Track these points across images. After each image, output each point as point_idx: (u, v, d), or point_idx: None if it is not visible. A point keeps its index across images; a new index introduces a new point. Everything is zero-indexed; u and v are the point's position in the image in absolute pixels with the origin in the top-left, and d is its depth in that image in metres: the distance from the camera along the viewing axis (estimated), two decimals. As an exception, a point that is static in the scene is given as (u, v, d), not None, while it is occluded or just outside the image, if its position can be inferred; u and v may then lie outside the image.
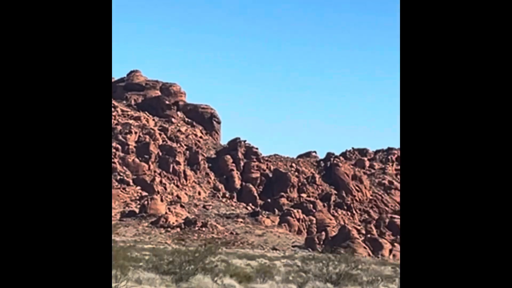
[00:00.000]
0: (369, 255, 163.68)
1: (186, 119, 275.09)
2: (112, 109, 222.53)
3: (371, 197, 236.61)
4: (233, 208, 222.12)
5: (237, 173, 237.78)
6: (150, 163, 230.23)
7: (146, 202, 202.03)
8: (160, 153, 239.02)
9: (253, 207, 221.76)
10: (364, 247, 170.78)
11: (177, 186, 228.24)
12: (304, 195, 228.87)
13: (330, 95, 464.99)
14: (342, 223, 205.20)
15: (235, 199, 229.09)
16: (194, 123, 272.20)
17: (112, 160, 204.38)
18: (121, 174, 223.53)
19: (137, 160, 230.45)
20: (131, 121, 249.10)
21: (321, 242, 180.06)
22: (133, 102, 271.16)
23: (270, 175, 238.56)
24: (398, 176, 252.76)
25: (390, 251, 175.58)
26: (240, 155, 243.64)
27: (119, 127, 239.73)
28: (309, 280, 35.95)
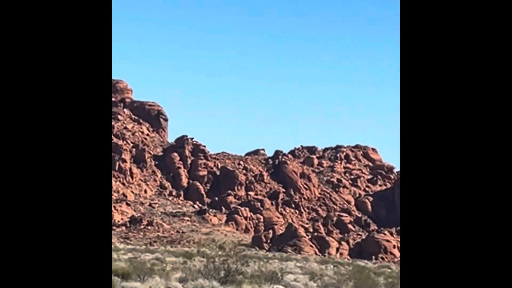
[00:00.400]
0: (315, 253, 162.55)
1: (133, 116, 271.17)
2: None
3: (319, 195, 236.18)
4: (179, 206, 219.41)
5: (184, 171, 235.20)
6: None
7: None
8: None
9: (200, 205, 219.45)
10: (311, 246, 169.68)
11: (123, 184, 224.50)
12: (251, 193, 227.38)
13: (278, 92, 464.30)
14: (290, 221, 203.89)
15: (181, 197, 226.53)
16: (141, 120, 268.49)
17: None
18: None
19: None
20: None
21: (268, 241, 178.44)
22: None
23: (218, 173, 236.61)
24: (347, 174, 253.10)
25: (337, 249, 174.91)
26: (187, 152, 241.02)
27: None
28: (197, 277, 33.97)
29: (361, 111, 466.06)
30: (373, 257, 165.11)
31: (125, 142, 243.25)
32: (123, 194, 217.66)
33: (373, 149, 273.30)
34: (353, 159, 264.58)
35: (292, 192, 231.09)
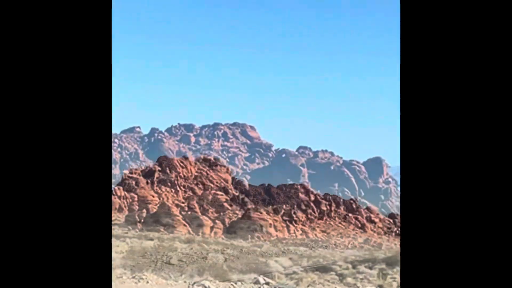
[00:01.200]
0: (189, 232, 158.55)
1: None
2: None
3: (196, 174, 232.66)
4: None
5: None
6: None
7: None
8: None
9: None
10: (184, 225, 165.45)
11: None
12: (126, 171, 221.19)
13: (155, 68, 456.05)
14: (165, 200, 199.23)
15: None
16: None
17: None
18: None
19: None
20: None
21: (142, 220, 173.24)
22: None
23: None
24: (224, 152, 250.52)
25: (211, 228, 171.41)
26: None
27: None
28: None
29: (239, 88, 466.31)
30: (249, 236, 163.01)
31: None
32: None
33: (251, 127, 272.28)
34: (231, 136, 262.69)
35: (168, 171, 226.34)
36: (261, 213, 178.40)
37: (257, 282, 28.84)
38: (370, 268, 42.91)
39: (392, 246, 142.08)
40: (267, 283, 29.07)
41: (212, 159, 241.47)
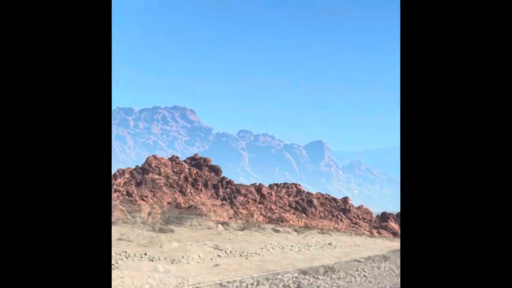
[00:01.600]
0: (126, 217, 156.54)
1: None
2: None
3: (135, 158, 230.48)
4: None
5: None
6: None
7: None
8: None
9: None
10: (122, 210, 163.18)
11: None
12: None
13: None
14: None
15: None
16: None
17: None
18: None
19: None
20: None
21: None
22: None
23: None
24: (164, 136, 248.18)
25: (149, 213, 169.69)
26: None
27: None
28: None
29: (180, 70, 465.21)
30: (188, 221, 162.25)
31: None
32: None
33: (191, 110, 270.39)
34: (171, 120, 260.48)
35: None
36: (200, 197, 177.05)
37: (156, 270, 27.04)
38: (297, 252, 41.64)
39: (333, 229, 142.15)
40: (167, 271, 27.27)
41: (151, 143, 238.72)
